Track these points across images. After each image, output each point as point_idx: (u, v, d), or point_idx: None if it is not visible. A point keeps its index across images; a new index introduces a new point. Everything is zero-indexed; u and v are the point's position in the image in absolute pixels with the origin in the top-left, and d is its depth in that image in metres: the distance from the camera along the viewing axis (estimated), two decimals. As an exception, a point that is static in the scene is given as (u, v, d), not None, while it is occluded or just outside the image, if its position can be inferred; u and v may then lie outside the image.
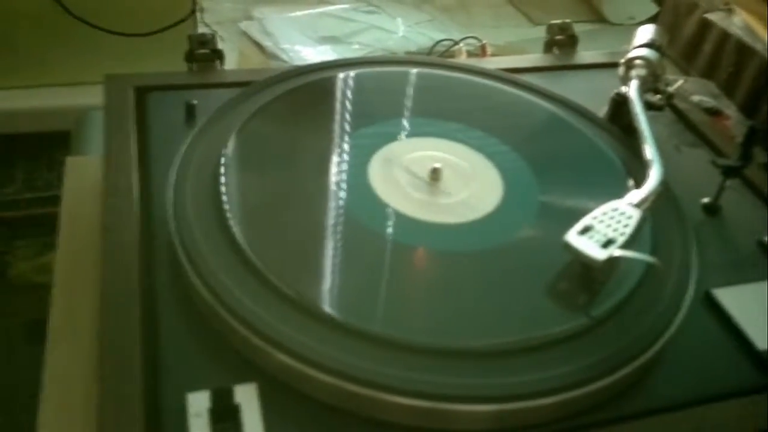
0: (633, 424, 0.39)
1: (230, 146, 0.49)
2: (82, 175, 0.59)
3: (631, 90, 0.57)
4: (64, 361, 0.44)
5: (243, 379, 0.37)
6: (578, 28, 0.72)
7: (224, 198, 0.45)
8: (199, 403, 0.36)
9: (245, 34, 1.00)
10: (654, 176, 0.47)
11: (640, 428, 0.39)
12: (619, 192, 0.46)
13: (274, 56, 0.92)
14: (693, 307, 0.44)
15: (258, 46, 0.97)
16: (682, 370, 0.42)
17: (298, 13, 1.04)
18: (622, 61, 0.59)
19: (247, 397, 0.37)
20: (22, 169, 0.92)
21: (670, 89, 0.60)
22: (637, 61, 0.58)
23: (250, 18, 1.03)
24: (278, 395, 0.37)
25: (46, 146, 0.90)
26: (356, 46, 0.96)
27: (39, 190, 0.90)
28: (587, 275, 0.43)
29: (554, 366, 0.39)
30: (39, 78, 0.87)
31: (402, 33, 1.02)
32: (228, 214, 0.44)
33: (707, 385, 0.41)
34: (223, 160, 0.48)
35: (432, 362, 0.38)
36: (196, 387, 0.37)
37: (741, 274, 0.49)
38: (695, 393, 0.41)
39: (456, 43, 0.79)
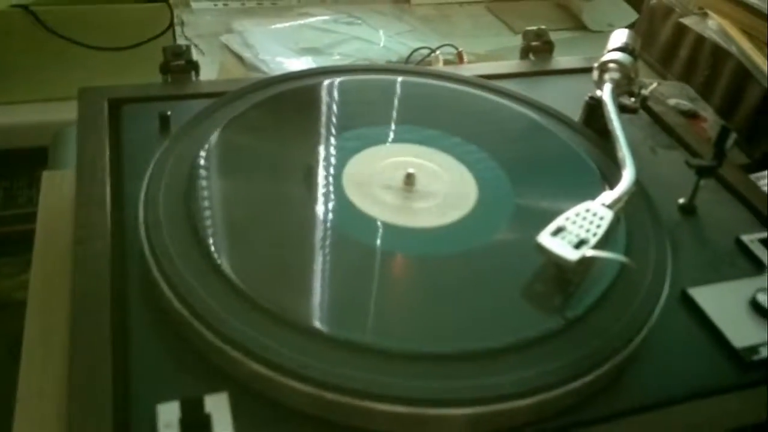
0: (610, 424, 0.39)
1: (202, 155, 0.49)
2: (59, 189, 0.59)
3: (605, 93, 0.57)
4: (38, 377, 0.44)
5: (215, 389, 0.37)
6: (558, 36, 0.73)
7: (195, 207, 0.45)
8: (169, 413, 0.35)
9: (226, 47, 1.00)
10: (627, 177, 0.47)
11: (616, 429, 0.39)
12: (595, 194, 0.46)
13: (254, 68, 0.92)
14: (669, 307, 0.44)
15: (239, 58, 0.97)
16: (659, 369, 0.42)
17: (279, 26, 1.05)
18: (596, 65, 0.60)
19: (218, 406, 0.36)
20: (2, 186, 0.91)
21: (644, 92, 0.60)
22: (611, 65, 0.59)
23: (230, 31, 1.04)
24: (250, 404, 0.37)
25: (26, 162, 0.90)
26: (337, 57, 0.97)
27: (20, 207, 0.90)
28: (562, 276, 0.43)
29: (530, 367, 0.38)
30: (16, 94, 0.86)
31: (383, 43, 1.02)
32: (199, 223, 0.44)
33: (684, 383, 0.41)
34: (194, 170, 0.48)
35: (408, 367, 0.38)
36: (167, 398, 0.36)
37: (718, 273, 0.49)
38: (672, 392, 0.41)
39: (432, 51, 0.80)
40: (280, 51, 0.96)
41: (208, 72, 0.94)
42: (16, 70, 0.85)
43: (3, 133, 0.87)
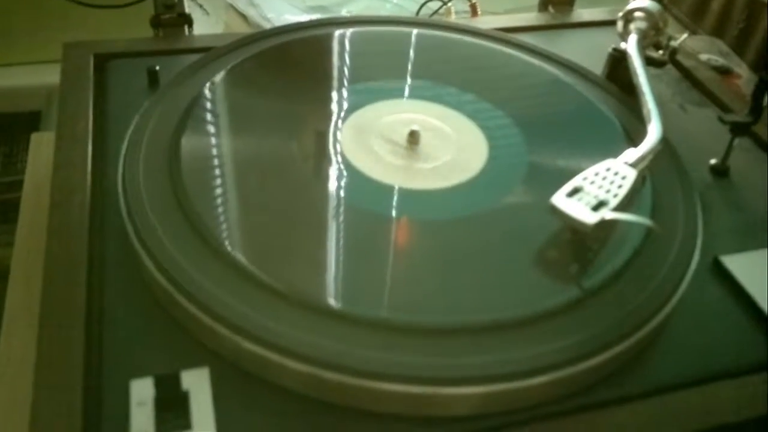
0: (633, 405, 0.35)
1: (188, 112, 0.46)
2: (47, 151, 0.56)
3: (630, 44, 0.53)
4: (20, 345, 0.42)
5: (197, 363, 0.34)
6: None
7: (178, 169, 0.42)
8: (143, 390, 0.33)
9: (231, 7, 0.96)
10: (652, 133, 0.43)
11: (641, 409, 0.35)
12: (617, 153, 0.43)
13: (259, 27, 0.88)
14: (700, 276, 0.41)
15: (244, 18, 0.93)
16: (688, 345, 0.38)
17: (286, -17, 1.00)
18: (621, 14, 0.56)
19: (197, 383, 0.33)
20: (2, 151, 0.89)
21: (674, 44, 0.56)
22: (637, 13, 0.55)
23: (236, -11, 0.99)
24: (235, 381, 0.34)
25: (26, 127, 0.87)
26: (346, 15, 0.92)
27: (20, 173, 0.87)
28: (579, 242, 0.39)
29: (544, 342, 0.35)
30: (12, 56, 0.84)
31: (396, 1, 0.97)
32: (181, 186, 0.40)
33: (717, 361, 0.38)
34: (179, 128, 0.44)
35: (410, 342, 0.34)
36: (143, 372, 0.33)
37: (753, 239, 0.45)
38: (703, 370, 0.37)
39: (444, 3, 0.75)
40: (287, 9, 0.92)
41: (214, 32, 0.90)
42: (11, 31, 0.82)
43: (1, 96, 0.84)
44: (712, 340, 0.39)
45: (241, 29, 0.91)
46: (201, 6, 0.98)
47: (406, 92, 0.52)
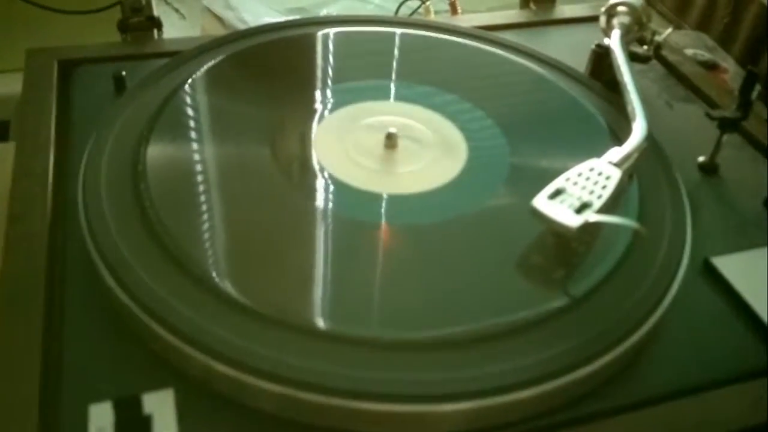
0: (623, 417, 0.34)
1: (153, 121, 0.44)
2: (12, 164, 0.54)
3: (613, 40, 0.51)
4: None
5: (161, 385, 0.32)
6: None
7: (142, 180, 0.40)
8: (103, 415, 0.31)
9: (208, 10, 0.94)
10: (637, 131, 0.42)
11: (631, 422, 0.34)
12: (602, 152, 0.41)
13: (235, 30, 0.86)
14: (690, 279, 0.40)
15: (221, 21, 0.91)
16: (679, 352, 0.37)
17: (264, -15, 0.98)
18: (603, 9, 0.54)
19: (161, 406, 0.31)
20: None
21: (658, 38, 0.54)
22: (620, 8, 0.53)
23: (213, -7, 0.97)
24: (202, 403, 0.32)
25: (-1, 137, 0.84)
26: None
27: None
28: (564, 246, 0.38)
29: (528, 354, 0.33)
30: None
31: (376, 2, 0.96)
32: (146, 198, 0.39)
33: (710, 368, 0.36)
34: (143, 136, 0.42)
35: (391, 358, 0.33)
36: (103, 396, 0.31)
37: (745, 239, 0.44)
38: (695, 378, 0.36)
39: (423, 2, 0.73)
40: (265, 11, 0.90)
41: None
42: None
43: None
44: (705, 346, 0.37)
45: (218, 33, 0.90)
46: (177, 10, 0.96)
47: (384, 94, 0.50)
